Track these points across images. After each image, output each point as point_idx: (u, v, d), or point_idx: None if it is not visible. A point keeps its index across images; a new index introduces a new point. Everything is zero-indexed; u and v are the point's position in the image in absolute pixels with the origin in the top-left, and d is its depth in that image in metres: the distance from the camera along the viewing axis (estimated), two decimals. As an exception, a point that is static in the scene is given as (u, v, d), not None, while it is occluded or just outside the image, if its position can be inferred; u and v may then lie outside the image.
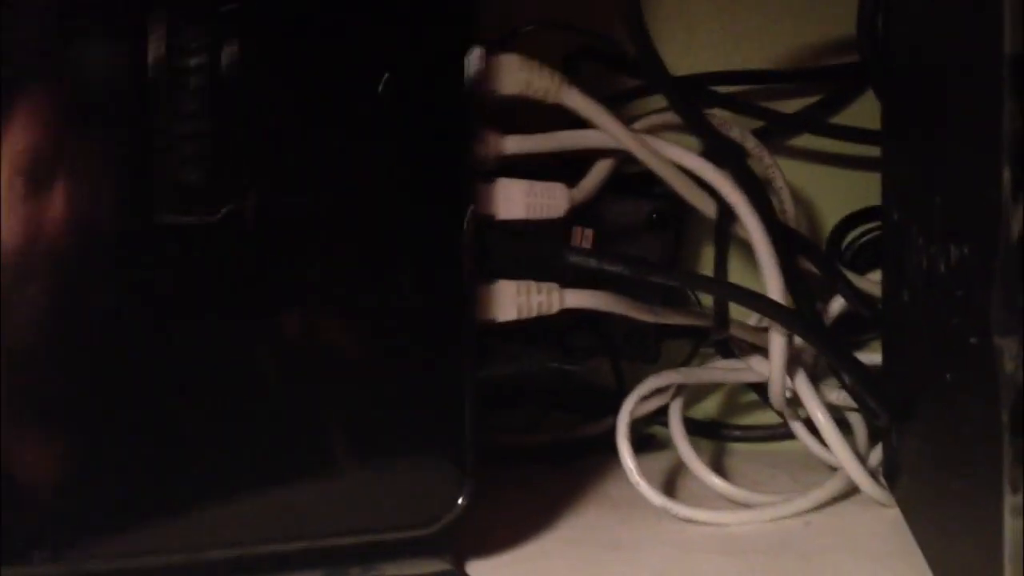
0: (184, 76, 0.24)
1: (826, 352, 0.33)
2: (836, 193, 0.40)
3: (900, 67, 0.30)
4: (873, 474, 0.33)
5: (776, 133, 0.39)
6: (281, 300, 0.26)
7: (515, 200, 0.29)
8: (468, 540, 0.30)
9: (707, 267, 0.40)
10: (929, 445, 0.26)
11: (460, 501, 0.28)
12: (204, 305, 0.25)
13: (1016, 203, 0.18)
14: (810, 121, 0.38)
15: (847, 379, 0.33)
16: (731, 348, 0.37)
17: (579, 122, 0.31)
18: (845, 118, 0.39)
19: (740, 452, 0.40)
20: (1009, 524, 0.18)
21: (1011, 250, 0.17)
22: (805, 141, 0.40)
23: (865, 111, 0.39)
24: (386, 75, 0.25)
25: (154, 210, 0.24)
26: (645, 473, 0.33)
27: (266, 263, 0.25)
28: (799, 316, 0.32)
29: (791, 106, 0.39)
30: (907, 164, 0.29)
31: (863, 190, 0.38)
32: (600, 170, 0.32)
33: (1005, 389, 0.18)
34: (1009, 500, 0.18)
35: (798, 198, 0.40)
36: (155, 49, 0.24)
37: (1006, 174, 0.17)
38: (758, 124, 0.38)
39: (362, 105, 0.26)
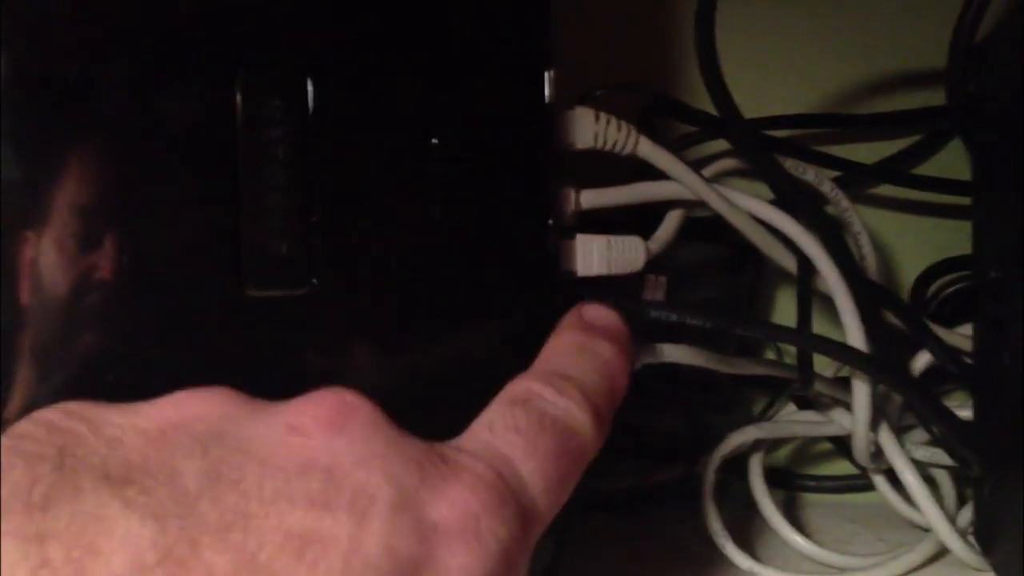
0: (271, 146, 0.24)
1: (915, 401, 0.32)
2: (918, 242, 0.39)
3: (999, 111, 0.29)
4: (962, 535, 0.32)
5: (854, 183, 0.38)
6: (367, 369, 0.25)
7: (595, 256, 0.28)
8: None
9: (784, 311, 0.39)
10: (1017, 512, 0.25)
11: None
12: (293, 378, 0.24)
13: None
14: (891, 172, 0.37)
15: (936, 429, 0.32)
16: (809, 399, 0.36)
17: (643, 173, 0.30)
18: (929, 165, 0.38)
19: (815, 504, 0.39)
20: None
21: None
22: (885, 188, 0.39)
23: (947, 158, 0.38)
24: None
25: (243, 283, 0.24)
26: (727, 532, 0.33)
27: (354, 333, 0.25)
28: (886, 365, 0.31)
29: (873, 151, 0.39)
30: (1010, 221, 0.28)
31: (946, 239, 0.38)
32: (673, 220, 0.31)
33: None
34: None
35: (878, 246, 0.39)
36: (241, 119, 0.23)
37: None
38: (835, 174, 0.37)
39: (446, 167, 0.25)
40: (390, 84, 0.25)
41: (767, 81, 0.39)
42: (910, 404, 0.33)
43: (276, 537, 0.15)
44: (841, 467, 0.40)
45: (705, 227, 0.37)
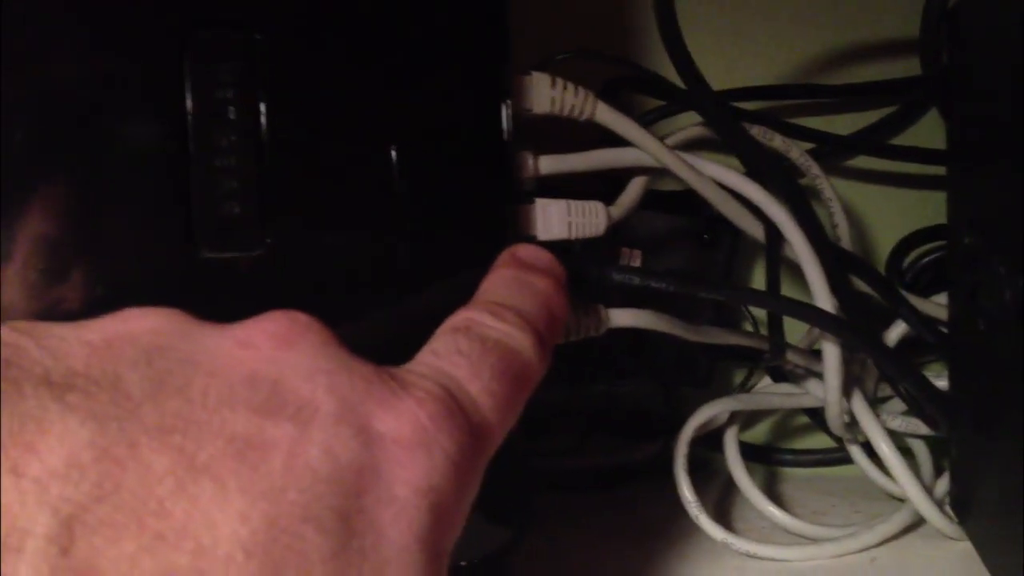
0: (221, 107, 0.23)
1: (882, 361, 0.31)
2: (897, 213, 0.38)
3: (973, 79, 0.28)
4: (939, 505, 0.32)
5: (831, 154, 0.37)
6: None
7: (555, 220, 0.28)
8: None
9: (761, 284, 0.39)
10: (1008, 479, 0.25)
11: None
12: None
13: None
14: (867, 143, 0.37)
15: (908, 394, 0.32)
16: (785, 372, 0.36)
17: (614, 142, 0.30)
18: (907, 136, 0.38)
19: (794, 477, 0.39)
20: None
21: None
22: (863, 159, 0.39)
23: (925, 129, 0.37)
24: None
25: (197, 245, 0.23)
26: (703, 502, 0.32)
27: (309, 297, 0.24)
28: (850, 324, 0.30)
29: (850, 122, 0.38)
30: (984, 186, 0.27)
31: (924, 210, 0.37)
32: (637, 186, 0.31)
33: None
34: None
35: (853, 217, 0.39)
36: (190, 82, 0.23)
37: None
38: (811, 145, 0.36)
39: (399, 130, 0.25)
40: (344, 45, 0.25)
41: (743, 52, 0.39)
42: (881, 368, 0.32)
43: (217, 441, 0.15)
44: (819, 441, 0.39)
45: (681, 200, 0.36)
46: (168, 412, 0.15)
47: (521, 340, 0.20)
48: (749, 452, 0.39)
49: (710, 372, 0.38)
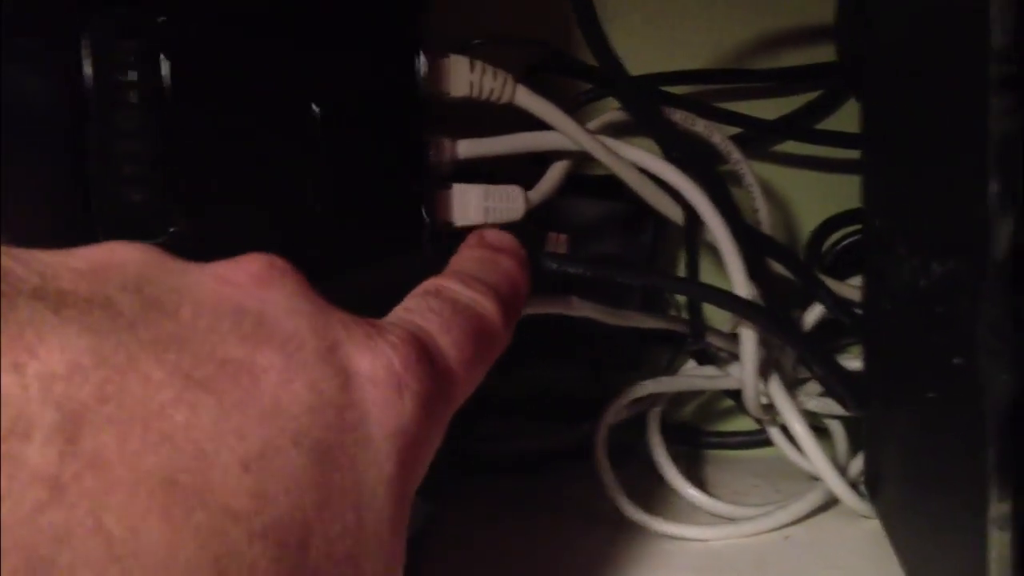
0: (121, 92, 0.23)
1: (793, 343, 0.32)
2: (817, 196, 0.39)
3: (880, 66, 0.29)
4: (854, 484, 0.33)
5: (755, 139, 0.38)
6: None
7: (472, 205, 0.28)
8: (434, 554, 0.29)
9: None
10: (910, 458, 0.25)
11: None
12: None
13: (1004, 217, 0.17)
14: (791, 127, 0.37)
15: (818, 370, 0.32)
16: (709, 355, 0.36)
17: (542, 126, 0.30)
18: (831, 121, 0.38)
19: (720, 459, 0.40)
20: (995, 537, 0.17)
21: (998, 269, 0.16)
22: (788, 144, 0.39)
23: (849, 113, 0.38)
24: (316, 107, 0.24)
25: (97, 233, 0.23)
26: (625, 485, 0.33)
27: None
28: (762, 309, 0.31)
29: (776, 107, 0.38)
30: (889, 170, 0.28)
31: (848, 194, 0.38)
32: (557, 171, 0.31)
33: (992, 409, 0.17)
34: (995, 509, 0.17)
35: (777, 201, 0.39)
36: (88, 64, 0.22)
37: (992, 185, 0.17)
38: (736, 130, 0.37)
39: (308, 115, 0.25)
40: (252, 28, 0.24)
41: (673, 36, 0.39)
42: (795, 351, 0.33)
43: (211, 362, 0.15)
44: (744, 423, 0.40)
45: (606, 185, 0.37)
46: (162, 331, 0.15)
47: (488, 307, 0.21)
48: (675, 435, 0.39)
49: (638, 355, 0.39)
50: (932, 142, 0.22)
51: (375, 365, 0.17)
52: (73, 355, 0.14)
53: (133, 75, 0.23)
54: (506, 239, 0.25)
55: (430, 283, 0.21)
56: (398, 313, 0.20)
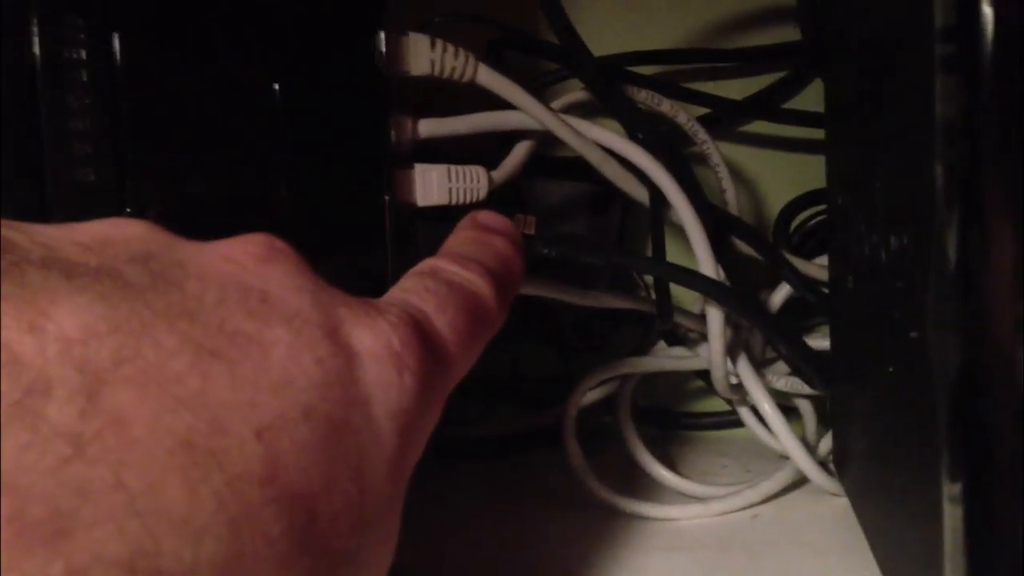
0: (72, 69, 0.22)
1: (758, 323, 0.32)
2: (785, 176, 0.39)
3: (839, 44, 0.29)
4: (823, 463, 0.33)
5: (723, 119, 0.38)
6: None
7: (434, 185, 0.28)
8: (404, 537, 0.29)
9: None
10: (873, 435, 0.25)
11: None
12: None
13: (951, 191, 0.17)
14: (759, 107, 0.37)
15: (783, 349, 0.32)
16: (679, 336, 0.36)
17: (505, 105, 0.30)
18: (799, 100, 0.38)
19: (693, 440, 0.40)
20: (948, 512, 0.17)
21: (944, 242, 0.16)
22: (756, 124, 0.39)
23: (816, 92, 0.38)
24: (276, 86, 0.24)
25: (48, 212, 0.22)
26: (595, 466, 0.33)
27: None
28: (728, 289, 0.31)
29: (744, 86, 0.38)
30: (849, 147, 0.28)
31: (816, 173, 0.38)
32: (521, 150, 0.31)
33: (940, 382, 0.17)
34: (947, 489, 0.17)
35: (744, 182, 0.39)
36: (38, 42, 0.22)
37: (938, 163, 0.17)
38: (704, 111, 0.37)
39: (266, 94, 0.24)
40: (206, 9, 0.24)
41: (640, 18, 0.39)
42: (751, 323, 0.33)
43: (221, 334, 0.15)
44: (715, 404, 0.40)
45: (574, 166, 0.36)
46: (172, 302, 0.15)
47: (483, 287, 0.21)
48: (647, 416, 0.39)
49: (605, 336, 0.39)
50: (887, 120, 0.21)
51: (376, 344, 0.17)
52: (88, 319, 0.14)
53: (83, 53, 0.23)
54: (500, 220, 0.25)
55: (426, 264, 0.22)
56: (394, 293, 0.20)
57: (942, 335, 0.16)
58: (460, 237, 0.24)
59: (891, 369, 0.21)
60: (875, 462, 0.25)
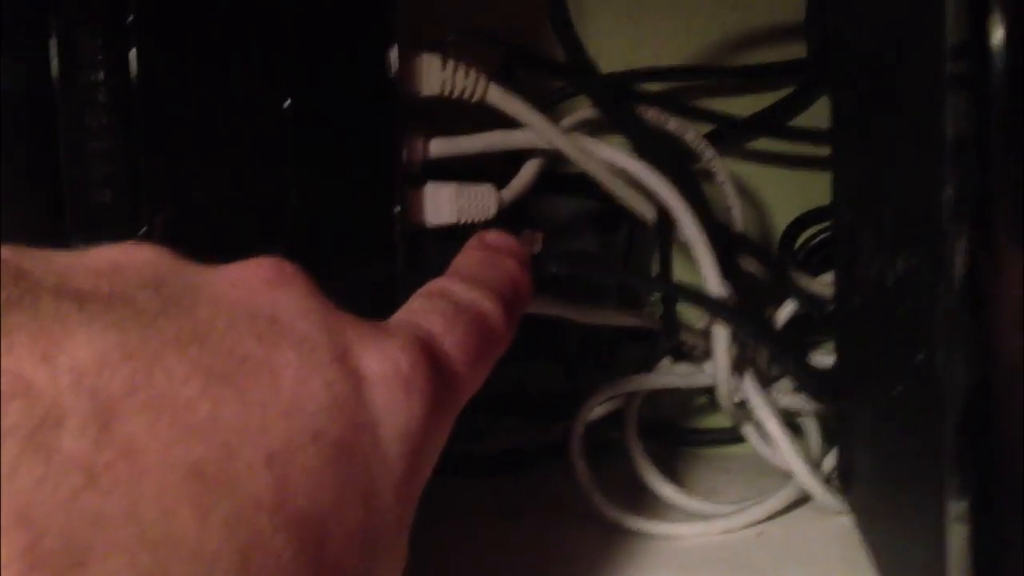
0: (89, 91, 0.23)
1: (762, 340, 0.32)
2: (792, 193, 0.39)
3: (848, 62, 0.29)
4: (828, 480, 0.33)
5: (730, 136, 0.38)
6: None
7: (444, 204, 0.28)
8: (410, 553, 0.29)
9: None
10: (879, 453, 0.26)
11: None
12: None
13: (960, 211, 0.17)
14: (765, 124, 0.38)
15: (787, 366, 0.33)
16: (685, 352, 0.36)
17: (515, 124, 0.30)
18: (805, 117, 0.38)
19: (698, 456, 0.40)
20: (954, 531, 0.17)
21: (953, 263, 0.16)
22: (762, 141, 0.39)
23: (823, 109, 0.38)
24: (288, 101, 0.24)
25: (67, 231, 0.23)
26: (601, 482, 0.33)
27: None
28: (733, 307, 0.31)
29: (751, 104, 0.38)
30: (857, 166, 0.28)
31: (822, 190, 0.38)
32: (530, 169, 0.31)
33: (949, 402, 0.17)
34: (953, 508, 0.17)
35: (751, 198, 0.40)
36: (56, 64, 0.22)
37: (947, 183, 0.17)
38: (710, 127, 0.37)
39: (279, 114, 0.25)
40: (220, 30, 0.24)
41: (646, 34, 0.39)
42: (767, 349, 0.33)
43: (232, 359, 0.15)
44: (722, 420, 0.40)
45: (582, 183, 0.37)
46: (183, 327, 0.15)
47: (491, 307, 0.21)
48: (653, 432, 0.39)
49: (612, 353, 0.39)
50: (896, 138, 0.22)
51: (384, 367, 0.17)
52: (100, 348, 0.14)
53: (101, 74, 0.23)
54: (506, 240, 0.26)
55: (433, 284, 0.22)
56: (403, 315, 0.20)
57: (950, 357, 0.17)
58: (468, 257, 0.24)
59: (898, 388, 0.22)
60: (880, 480, 0.25)
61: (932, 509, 0.18)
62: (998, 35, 0.16)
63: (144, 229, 0.23)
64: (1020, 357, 0.16)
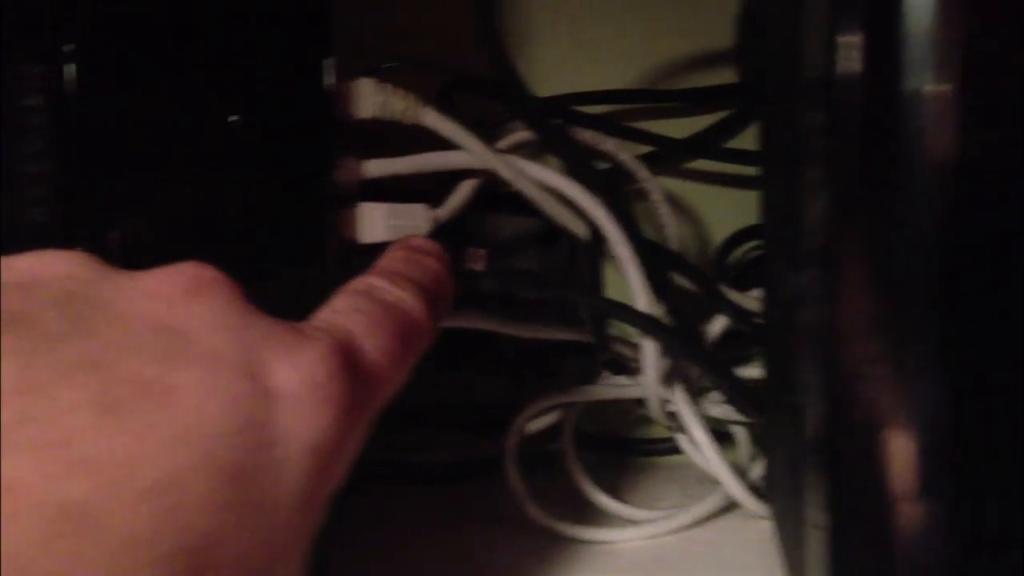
0: (26, 115, 0.24)
1: (689, 355, 0.33)
2: (729, 211, 0.40)
3: (764, 88, 0.30)
4: (755, 487, 0.34)
5: (668, 157, 0.39)
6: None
7: (377, 223, 0.29)
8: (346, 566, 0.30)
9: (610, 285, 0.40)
10: (780, 462, 0.27)
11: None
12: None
13: (812, 241, 0.18)
14: (703, 146, 0.39)
15: (715, 380, 0.34)
16: (623, 364, 0.37)
17: (452, 145, 0.31)
18: (743, 139, 0.39)
19: (640, 466, 0.41)
20: (812, 535, 0.18)
21: (805, 293, 0.18)
22: (700, 162, 0.41)
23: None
24: (234, 118, 0.25)
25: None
26: (539, 492, 0.34)
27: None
28: (660, 323, 0.32)
29: (686, 126, 0.40)
30: (769, 186, 0.29)
31: (756, 207, 0.39)
32: (465, 189, 0.32)
33: (808, 416, 0.18)
34: (812, 510, 0.18)
35: (689, 216, 0.41)
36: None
37: (805, 215, 0.18)
38: (649, 149, 0.38)
39: (216, 136, 0.26)
40: (158, 53, 0.25)
41: (588, 59, 0.41)
42: (694, 363, 0.34)
43: (124, 384, 0.15)
44: (661, 431, 0.41)
45: (524, 201, 0.38)
46: (81, 351, 0.15)
47: (415, 305, 0.22)
48: (593, 443, 0.41)
49: (555, 365, 0.40)
50: (784, 161, 0.23)
51: (298, 380, 0.17)
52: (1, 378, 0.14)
53: (39, 99, 0.24)
54: (430, 244, 0.26)
55: (359, 282, 0.22)
56: (325, 314, 0.20)
57: (806, 375, 0.18)
58: (392, 256, 0.25)
59: (788, 401, 0.23)
60: (783, 487, 0.26)
61: (801, 515, 0.19)
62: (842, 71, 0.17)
63: (79, 249, 0.24)
64: (858, 374, 0.17)
